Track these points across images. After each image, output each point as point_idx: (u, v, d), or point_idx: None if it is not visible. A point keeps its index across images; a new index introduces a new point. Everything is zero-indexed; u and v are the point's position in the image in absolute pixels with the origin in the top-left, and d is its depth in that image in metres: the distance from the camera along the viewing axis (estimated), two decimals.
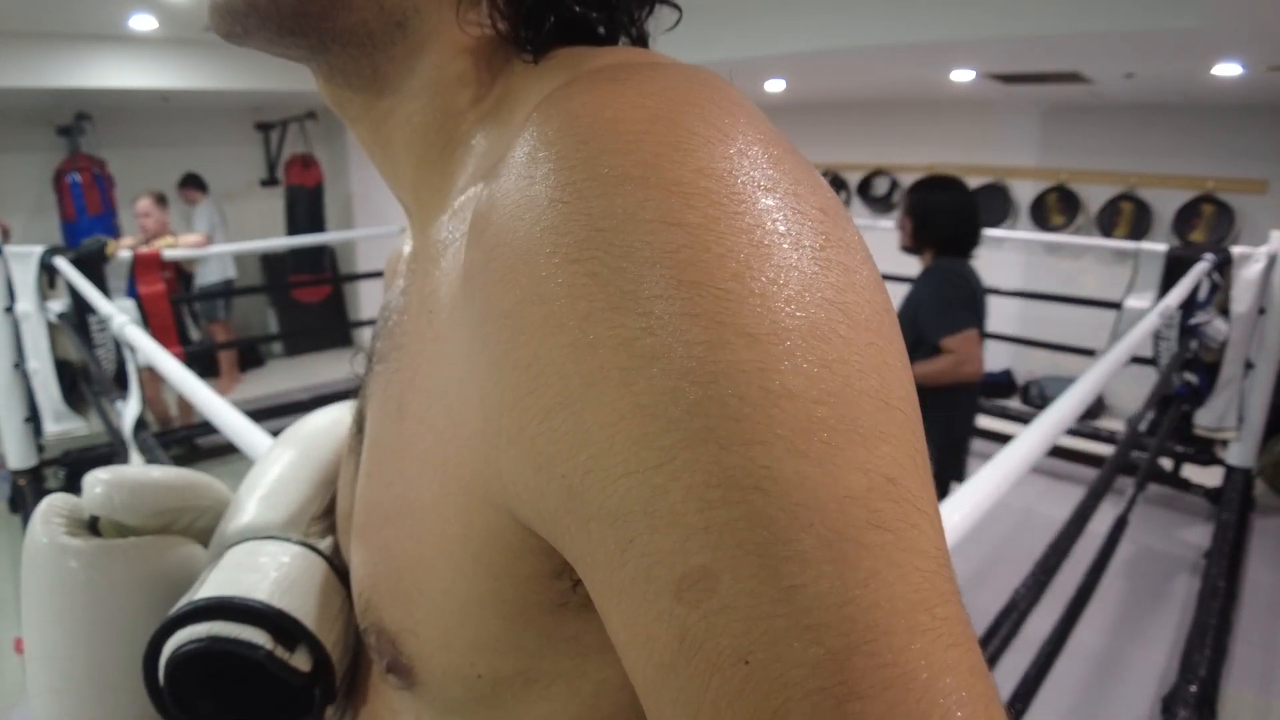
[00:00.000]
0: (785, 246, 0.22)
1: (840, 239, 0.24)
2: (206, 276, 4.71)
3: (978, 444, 3.52)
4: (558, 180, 0.24)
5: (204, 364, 5.04)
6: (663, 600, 0.21)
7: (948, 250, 2.24)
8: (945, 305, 2.11)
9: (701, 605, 0.20)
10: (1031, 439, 1.19)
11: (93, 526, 0.44)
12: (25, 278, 2.81)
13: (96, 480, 0.44)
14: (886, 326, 0.23)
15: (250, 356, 5.72)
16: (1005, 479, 1.06)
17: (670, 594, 0.20)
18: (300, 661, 0.39)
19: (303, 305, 5.98)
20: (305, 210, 5.77)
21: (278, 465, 0.49)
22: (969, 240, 2.24)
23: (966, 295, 2.15)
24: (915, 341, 2.19)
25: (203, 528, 0.48)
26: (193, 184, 4.94)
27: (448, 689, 0.32)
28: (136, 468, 0.47)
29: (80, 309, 2.85)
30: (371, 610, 0.34)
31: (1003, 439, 3.35)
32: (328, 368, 5.52)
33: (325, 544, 0.46)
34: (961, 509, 0.96)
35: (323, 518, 0.48)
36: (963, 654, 0.20)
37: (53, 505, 0.44)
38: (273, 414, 3.71)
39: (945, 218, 2.24)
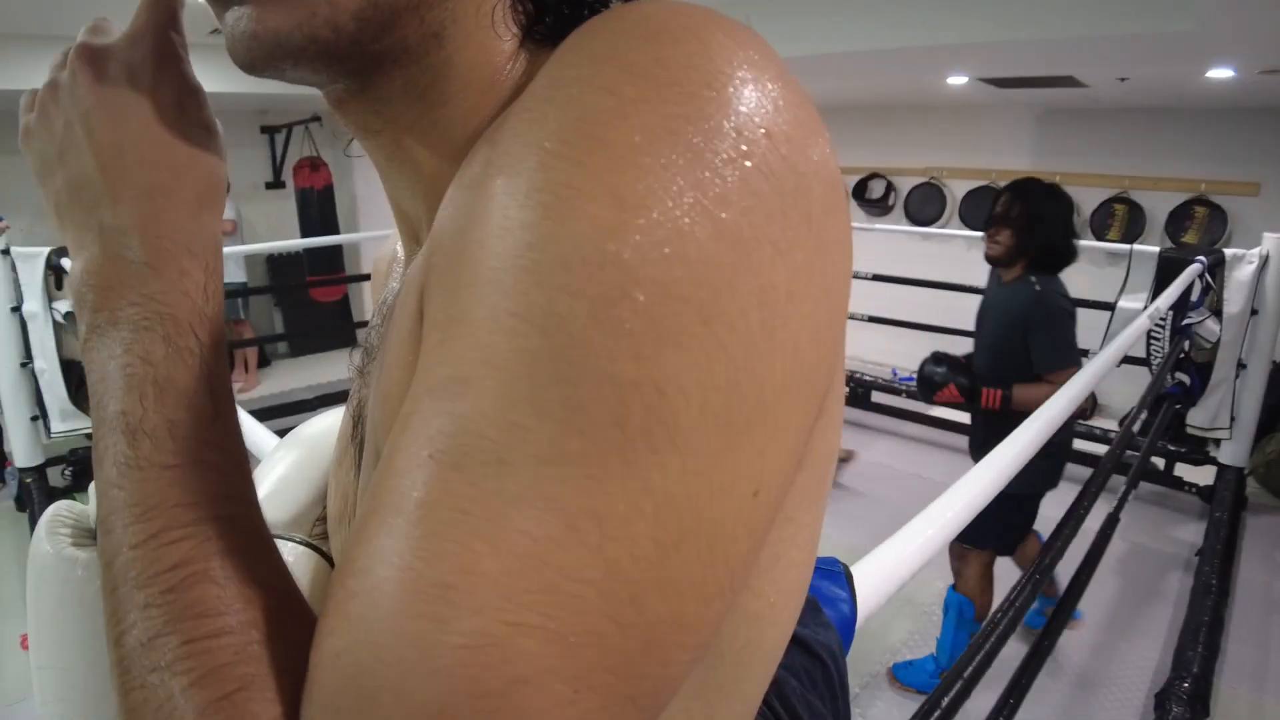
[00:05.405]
0: (694, 151, 0.22)
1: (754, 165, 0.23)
2: None
3: (961, 440, 3.56)
4: (563, 75, 0.24)
5: None
6: (418, 390, 0.23)
7: (1044, 266, 2.08)
8: (1061, 340, 2.04)
9: (442, 403, 0.22)
10: (1023, 438, 1.20)
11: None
12: (32, 278, 2.83)
13: None
14: (766, 267, 0.22)
15: (257, 356, 5.77)
16: (998, 477, 1.07)
17: (425, 387, 0.23)
18: None
19: (308, 306, 6.03)
20: (317, 212, 5.86)
21: (281, 465, 0.50)
22: (1070, 256, 2.10)
23: (1074, 325, 2.06)
24: (1002, 353, 2.15)
25: None
26: None
27: None
28: None
29: None
30: None
31: None
32: (333, 368, 5.54)
33: (329, 545, 0.45)
34: (954, 506, 0.97)
35: (326, 519, 0.47)
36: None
37: (58, 514, 0.42)
38: (278, 413, 3.73)
39: (1053, 231, 2.05)
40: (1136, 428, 1.89)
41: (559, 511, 0.20)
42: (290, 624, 0.28)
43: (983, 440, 2.30)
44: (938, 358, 2.22)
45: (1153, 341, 3.10)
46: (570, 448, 0.20)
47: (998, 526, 2.00)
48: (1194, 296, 3.01)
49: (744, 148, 0.22)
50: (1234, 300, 3.05)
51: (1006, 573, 2.10)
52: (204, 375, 0.31)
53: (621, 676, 0.20)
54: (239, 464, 0.31)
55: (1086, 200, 4.64)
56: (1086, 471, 1.73)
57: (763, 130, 0.23)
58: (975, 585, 2.24)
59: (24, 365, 2.92)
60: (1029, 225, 2.06)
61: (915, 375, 2.32)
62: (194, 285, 0.33)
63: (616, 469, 0.20)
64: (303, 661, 0.23)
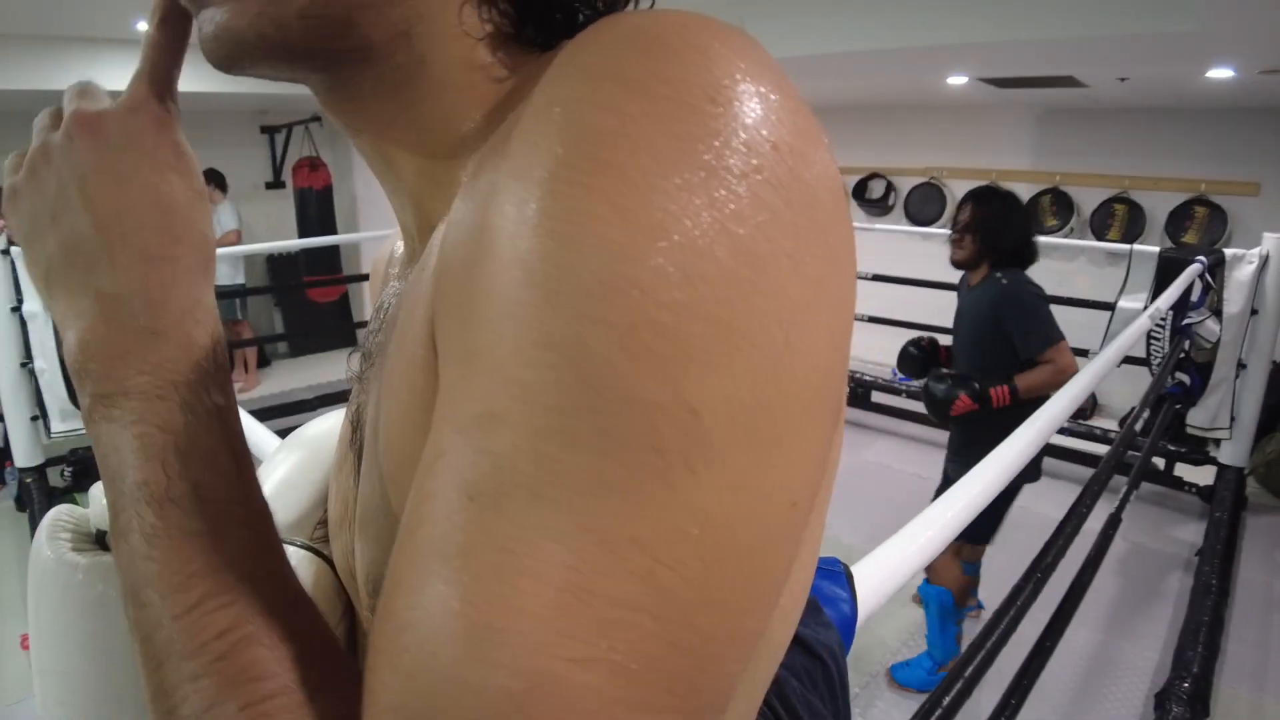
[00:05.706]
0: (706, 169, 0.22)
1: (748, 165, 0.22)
2: (218, 279, 4.77)
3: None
4: (555, 77, 0.24)
5: None
6: (444, 429, 0.23)
7: (1007, 266, 2.23)
8: (1040, 321, 2.15)
9: (474, 442, 0.21)
10: (1024, 438, 1.20)
11: (100, 539, 0.43)
12: None
13: (102, 492, 0.43)
14: (784, 281, 0.22)
15: (256, 357, 5.79)
16: (998, 477, 1.07)
17: (452, 426, 0.22)
18: None
19: (308, 306, 6.04)
20: (316, 212, 5.87)
21: (283, 468, 0.49)
22: (1031, 255, 2.26)
23: (1048, 308, 2.19)
24: (982, 352, 2.22)
25: None
26: (213, 181, 4.88)
27: None
28: None
29: None
30: (372, 598, 0.34)
31: None
32: (332, 368, 5.55)
33: (329, 549, 0.45)
34: (954, 507, 0.97)
35: (327, 523, 0.47)
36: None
37: (58, 519, 0.42)
38: (278, 413, 3.73)
39: (1012, 233, 2.23)
40: (1139, 427, 1.89)
41: (604, 541, 0.20)
42: (335, 677, 0.28)
43: (960, 441, 2.34)
44: (938, 375, 2.27)
45: (1153, 341, 3.10)
46: (608, 476, 0.20)
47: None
48: (1194, 296, 3.01)
49: (754, 162, 0.22)
50: (1234, 300, 3.06)
51: (1004, 569, 2.09)
52: (224, 437, 0.32)
53: (683, 697, 0.20)
54: (265, 518, 0.32)
55: (1086, 200, 4.64)
56: (1087, 472, 1.73)
57: (770, 143, 0.22)
58: (949, 575, 2.29)
59: (24, 365, 2.92)
60: (990, 229, 2.22)
61: (912, 384, 2.34)
62: (202, 352, 0.33)
63: (657, 493, 0.20)
64: (353, 715, 0.23)
